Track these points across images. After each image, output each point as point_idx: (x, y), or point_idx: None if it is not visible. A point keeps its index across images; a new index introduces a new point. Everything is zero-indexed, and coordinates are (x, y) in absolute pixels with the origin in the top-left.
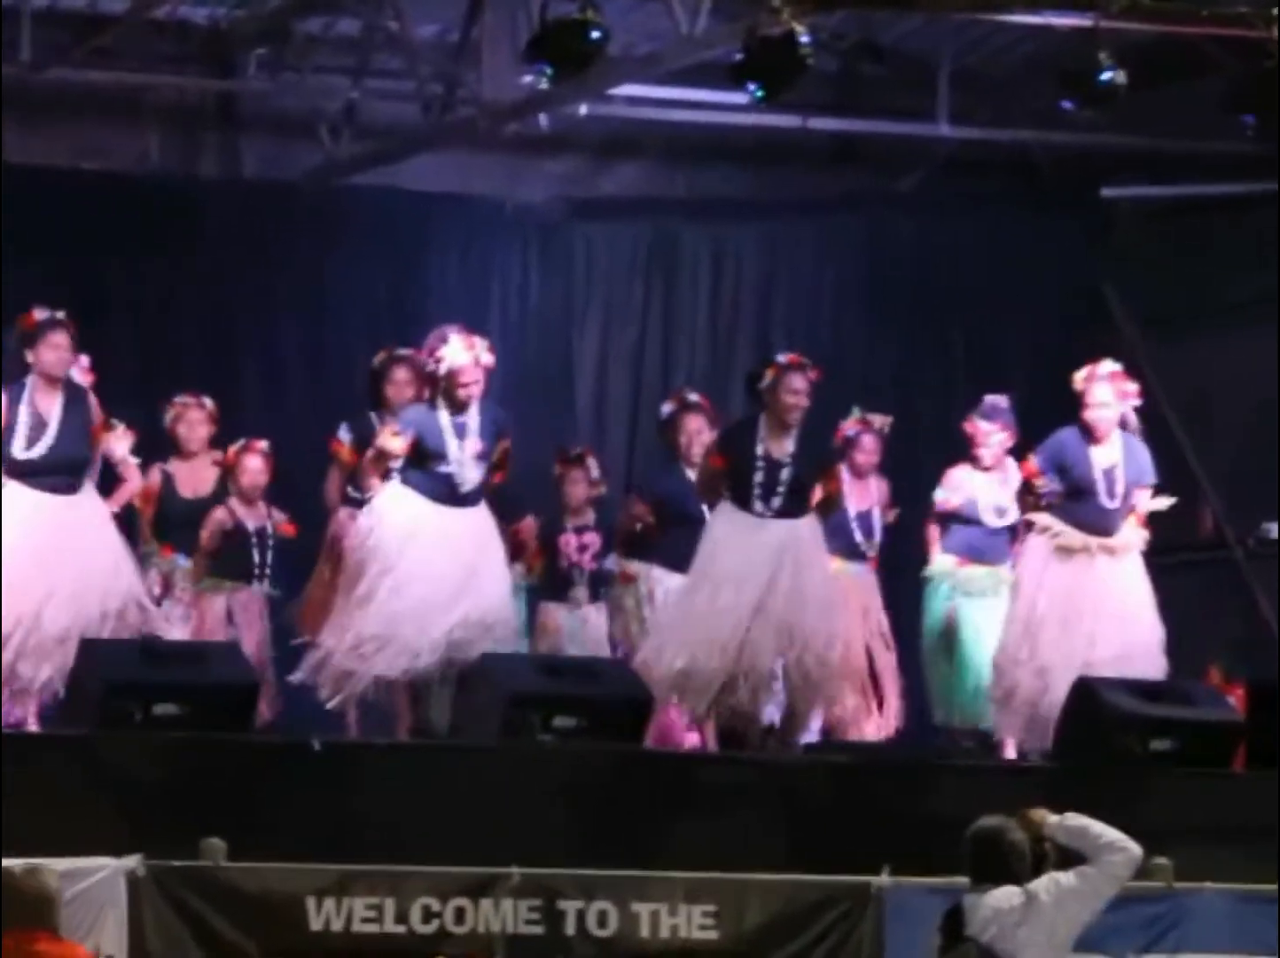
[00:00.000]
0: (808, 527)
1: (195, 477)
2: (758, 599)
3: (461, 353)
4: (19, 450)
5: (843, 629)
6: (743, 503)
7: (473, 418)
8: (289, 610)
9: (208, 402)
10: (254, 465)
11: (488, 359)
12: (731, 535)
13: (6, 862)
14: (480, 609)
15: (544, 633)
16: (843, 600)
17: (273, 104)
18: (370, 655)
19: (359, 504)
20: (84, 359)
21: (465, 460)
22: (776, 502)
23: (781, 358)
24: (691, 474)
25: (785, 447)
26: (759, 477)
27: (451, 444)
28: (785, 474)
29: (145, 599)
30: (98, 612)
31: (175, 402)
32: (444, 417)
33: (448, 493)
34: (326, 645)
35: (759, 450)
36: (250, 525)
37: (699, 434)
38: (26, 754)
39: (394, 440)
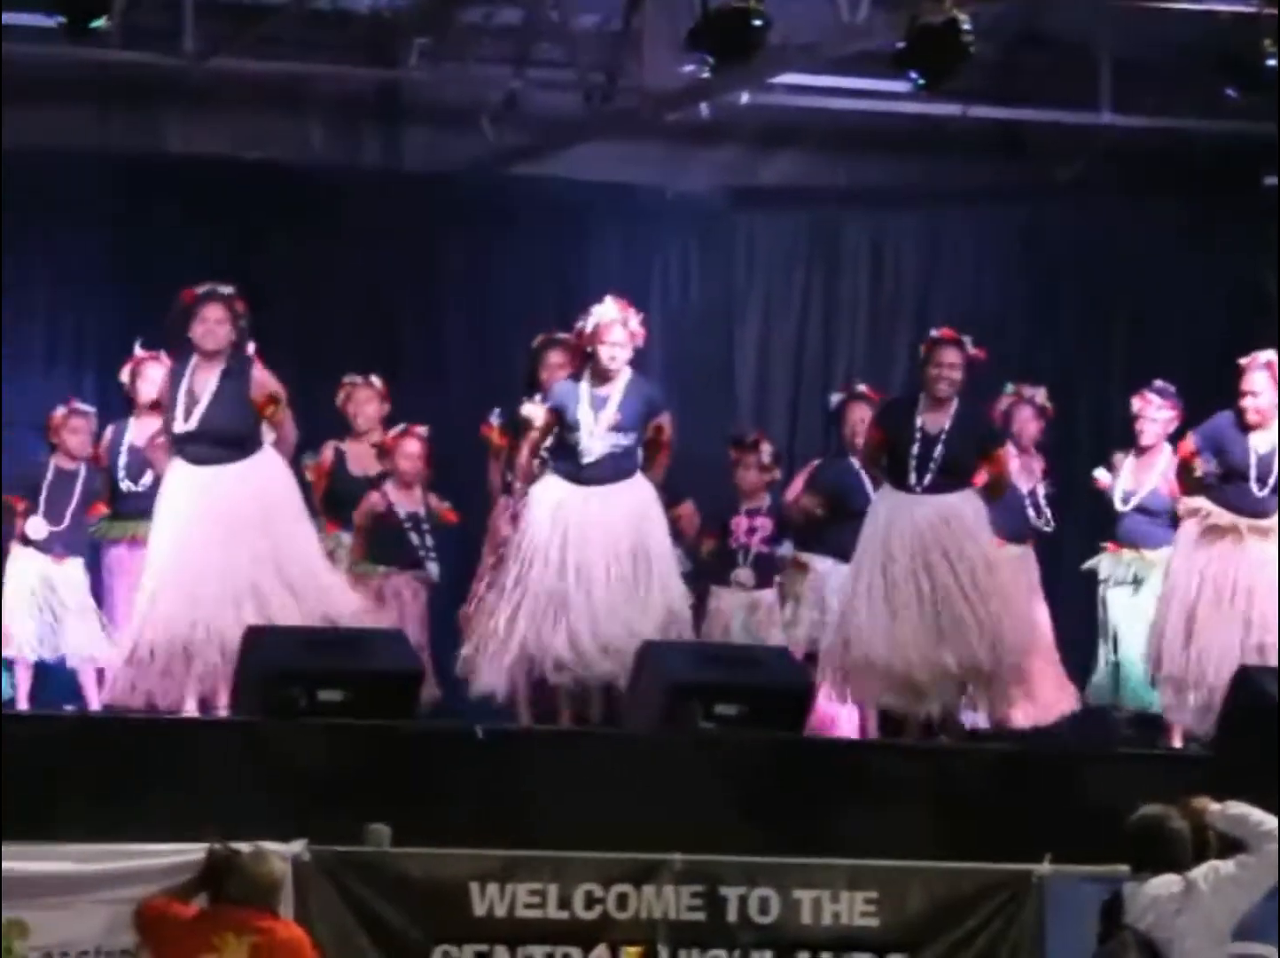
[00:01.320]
0: (970, 505)
1: (365, 455)
2: (924, 582)
3: (611, 311)
4: (176, 425)
5: (1020, 614)
6: (899, 478)
7: (616, 391)
8: (461, 611)
9: (376, 380)
10: (411, 450)
11: (636, 327)
12: (891, 515)
13: (236, 844)
14: (652, 598)
15: (710, 617)
16: (1015, 583)
17: (434, 94)
18: (529, 654)
19: (512, 492)
20: (250, 346)
21: (595, 431)
22: (929, 478)
23: (935, 332)
24: (858, 464)
25: (940, 421)
26: (915, 449)
27: (585, 414)
28: (938, 451)
29: (324, 573)
30: (265, 587)
31: (344, 381)
32: (585, 388)
33: (588, 470)
34: (487, 643)
35: (917, 423)
36: (404, 510)
37: (863, 424)
38: (193, 740)
39: (535, 410)
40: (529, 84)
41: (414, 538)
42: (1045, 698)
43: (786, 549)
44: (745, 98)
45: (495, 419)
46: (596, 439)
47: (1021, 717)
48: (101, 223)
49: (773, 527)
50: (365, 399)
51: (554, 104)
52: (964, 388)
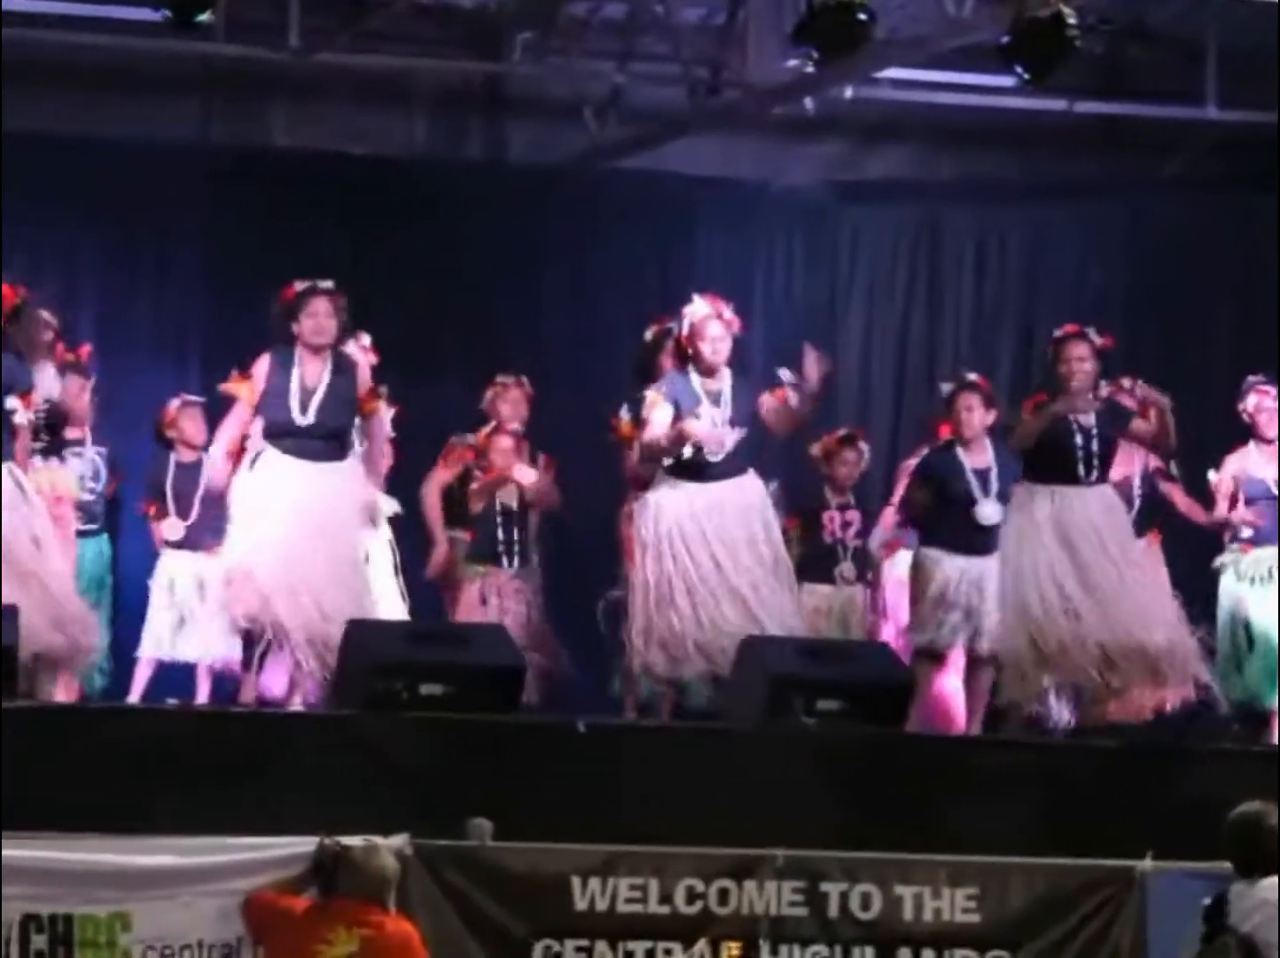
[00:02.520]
0: (1119, 496)
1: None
2: (1109, 570)
3: (703, 307)
4: (294, 417)
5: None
6: (1066, 472)
7: (725, 386)
8: (603, 606)
9: (525, 380)
10: (504, 445)
11: (731, 316)
12: (1059, 510)
13: (347, 839)
14: (764, 595)
15: (807, 614)
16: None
17: (538, 88)
18: (672, 656)
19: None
20: (365, 338)
21: (720, 426)
22: (1095, 470)
23: (1059, 330)
24: (964, 454)
25: (1087, 413)
26: (1078, 440)
27: (706, 409)
28: (1095, 443)
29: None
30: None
31: (497, 380)
32: (695, 379)
33: (709, 466)
34: (634, 647)
35: (1068, 417)
36: (500, 505)
37: (970, 413)
38: (295, 734)
39: (659, 409)
40: (633, 78)
41: (515, 534)
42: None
43: (875, 541)
44: (849, 92)
45: (624, 413)
46: (724, 435)
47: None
48: (206, 217)
49: (861, 519)
50: (517, 399)
51: (658, 98)
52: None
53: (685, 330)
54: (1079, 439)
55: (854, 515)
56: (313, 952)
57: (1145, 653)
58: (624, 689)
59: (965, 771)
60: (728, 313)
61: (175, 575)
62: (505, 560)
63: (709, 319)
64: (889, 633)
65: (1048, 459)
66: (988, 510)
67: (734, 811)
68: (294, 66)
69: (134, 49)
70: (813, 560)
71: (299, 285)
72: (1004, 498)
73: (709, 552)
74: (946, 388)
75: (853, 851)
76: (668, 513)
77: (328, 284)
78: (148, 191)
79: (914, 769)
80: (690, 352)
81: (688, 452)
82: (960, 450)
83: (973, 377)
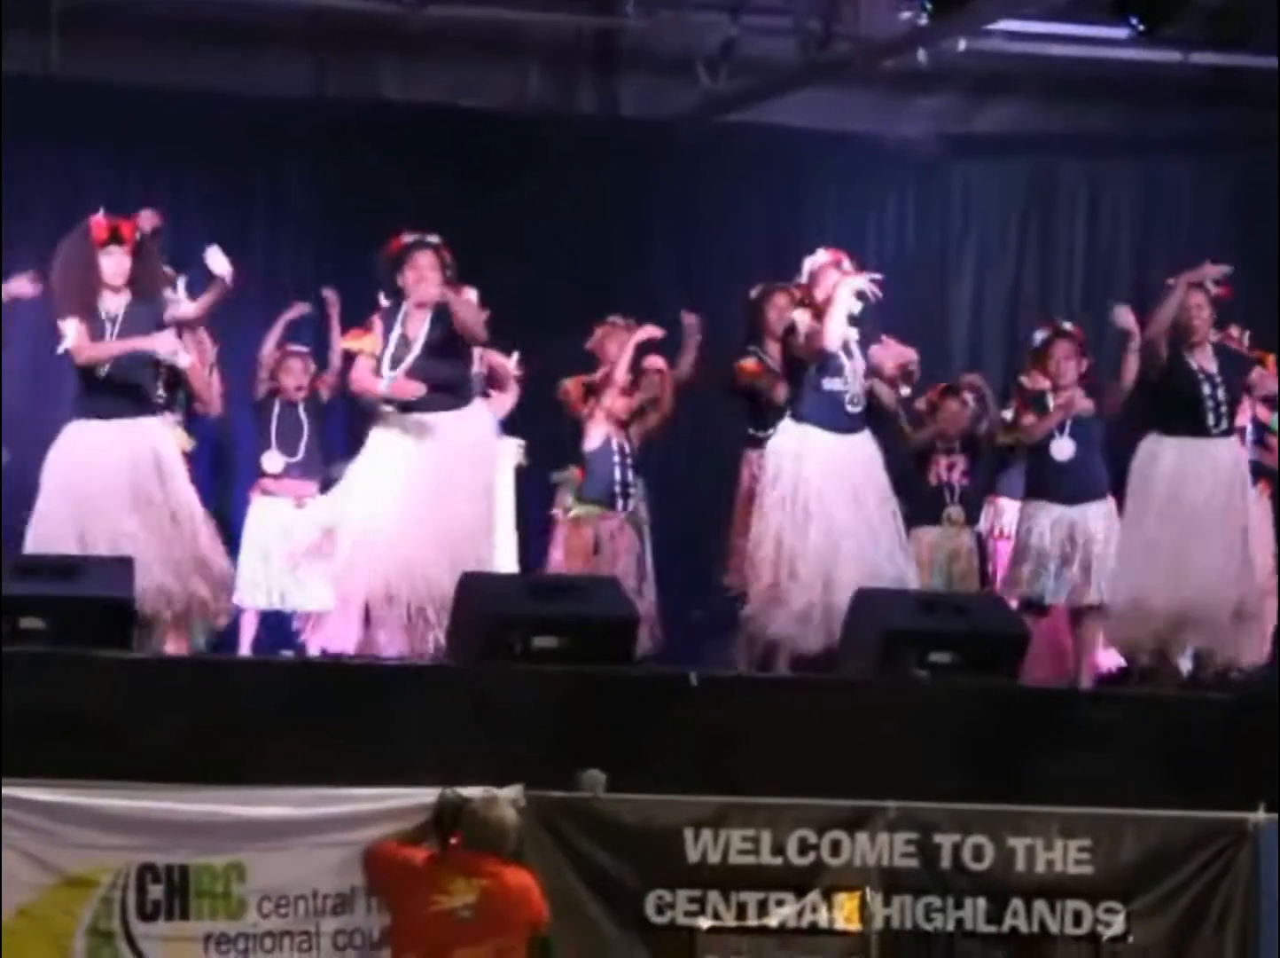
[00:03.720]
0: (1239, 450)
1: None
2: (1230, 525)
3: (823, 256)
4: (388, 372)
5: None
6: (1194, 422)
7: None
8: (715, 560)
9: (633, 324)
10: (619, 390)
11: (849, 267)
12: (1183, 461)
13: (466, 791)
14: (873, 548)
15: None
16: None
17: (651, 41)
18: (783, 605)
19: (759, 442)
20: (470, 292)
21: (858, 376)
22: (1223, 421)
23: (1172, 279)
24: (1055, 403)
25: (1208, 363)
26: (1206, 389)
27: (843, 358)
28: (1221, 392)
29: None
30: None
31: (607, 321)
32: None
33: (840, 417)
34: (745, 593)
35: (1193, 365)
36: (614, 444)
37: (1066, 361)
38: (409, 686)
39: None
40: (746, 31)
41: (618, 474)
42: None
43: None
44: (962, 44)
45: (746, 359)
46: (859, 385)
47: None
48: (318, 171)
49: (966, 463)
50: (626, 342)
51: (770, 51)
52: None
53: (805, 278)
54: (1206, 389)
55: (958, 459)
56: (432, 902)
57: (1221, 614)
58: (737, 640)
59: (1077, 722)
60: (848, 263)
61: (273, 525)
62: (619, 503)
63: (828, 267)
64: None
65: (1175, 410)
66: (1061, 444)
67: (847, 762)
68: (407, 20)
69: (249, 3)
70: (920, 503)
71: (405, 238)
72: (1078, 437)
73: (825, 504)
74: (1040, 335)
75: (965, 803)
76: (786, 466)
77: (432, 238)
78: (261, 146)
79: (1026, 721)
80: (806, 301)
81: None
82: (1052, 398)
83: (1068, 325)
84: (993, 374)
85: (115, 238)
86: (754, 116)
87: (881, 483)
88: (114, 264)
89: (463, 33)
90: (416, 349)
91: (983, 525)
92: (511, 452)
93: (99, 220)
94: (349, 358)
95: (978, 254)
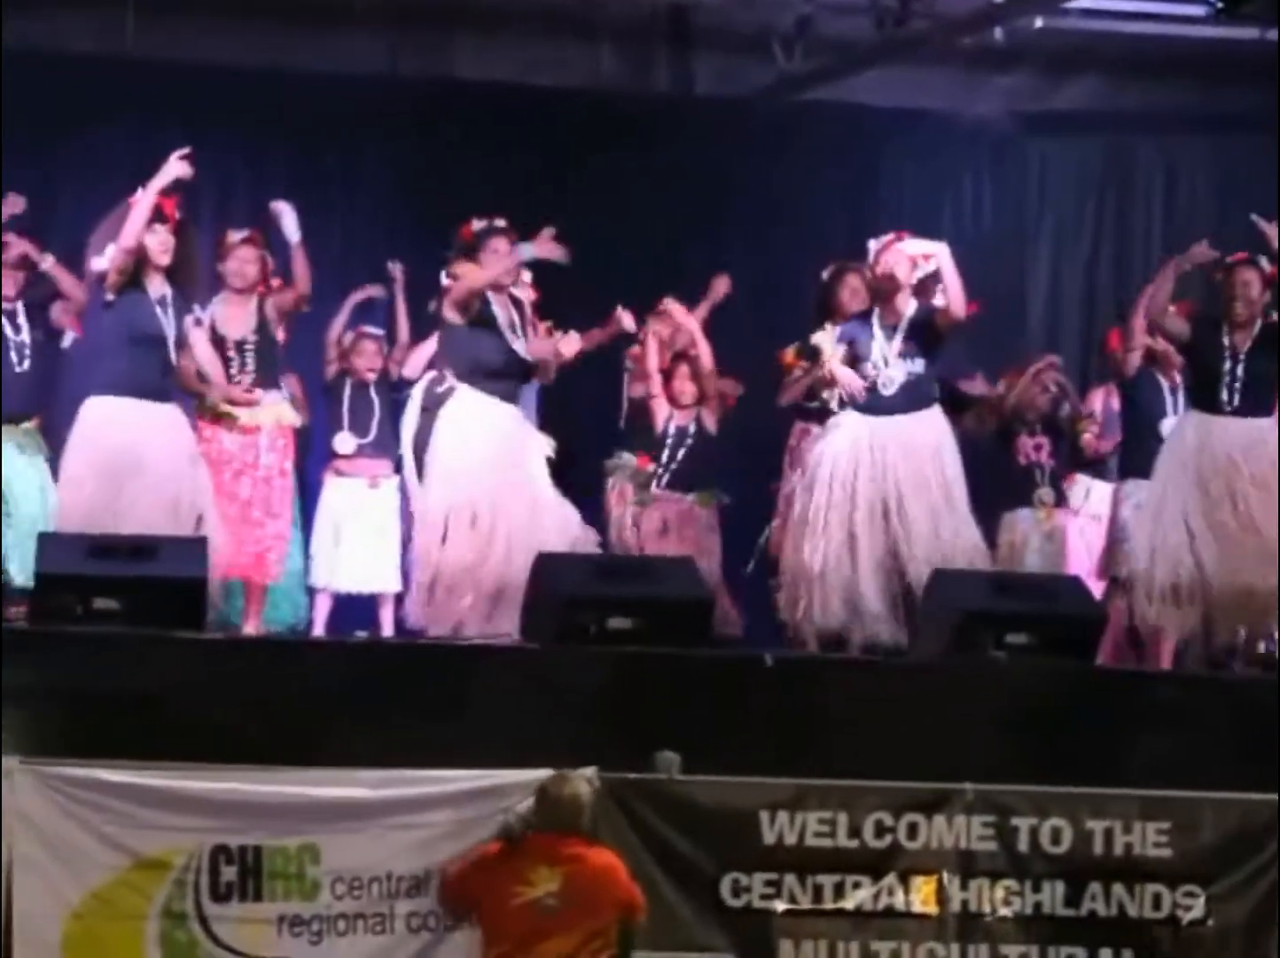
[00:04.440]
0: (1268, 432)
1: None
2: (1239, 506)
3: (889, 236)
4: (481, 355)
5: None
6: (1209, 398)
7: (906, 318)
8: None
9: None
10: (684, 372)
11: (929, 262)
12: (1201, 437)
13: (540, 773)
14: (953, 528)
15: (1003, 547)
16: None
17: (726, 19)
18: (830, 586)
19: (811, 417)
20: (525, 275)
21: (890, 358)
22: (1238, 398)
23: (1229, 258)
24: (1166, 384)
25: (1244, 342)
26: (1226, 367)
27: (878, 343)
28: (1242, 369)
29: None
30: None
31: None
32: (876, 318)
33: (877, 399)
34: (788, 574)
35: (1224, 341)
36: (676, 428)
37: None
38: (483, 666)
39: (826, 339)
40: (821, 8)
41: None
42: None
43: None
44: (1039, 22)
45: (792, 349)
46: (893, 367)
47: None
48: (393, 150)
49: (1051, 444)
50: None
51: (846, 28)
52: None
53: (872, 259)
54: (1227, 365)
55: (1043, 439)
56: (514, 893)
57: (1253, 596)
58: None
59: (1156, 705)
60: (911, 241)
61: (346, 505)
62: (683, 487)
63: (893, 247)
64: (1079, 564)
65: (1198, 383)
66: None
67: (923, 745)
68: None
69: None
70: (1009, 486)
71: (476, 224)
72: None
73: (883, 486)
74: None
75: (1043, 785)
76: (843, 448)
77: (502, 223)
78: (336, 125)
79: (1104, 703)
80: (872, 278)
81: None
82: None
83: None
84: (1070, 354)
85: (160, 216)
86: (829, 95)
87: (945, 461)
88: (158, 242)
89: (537, 10)
90: (507, 332)
91: (1075, 505)
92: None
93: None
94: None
95: (1054, 233)
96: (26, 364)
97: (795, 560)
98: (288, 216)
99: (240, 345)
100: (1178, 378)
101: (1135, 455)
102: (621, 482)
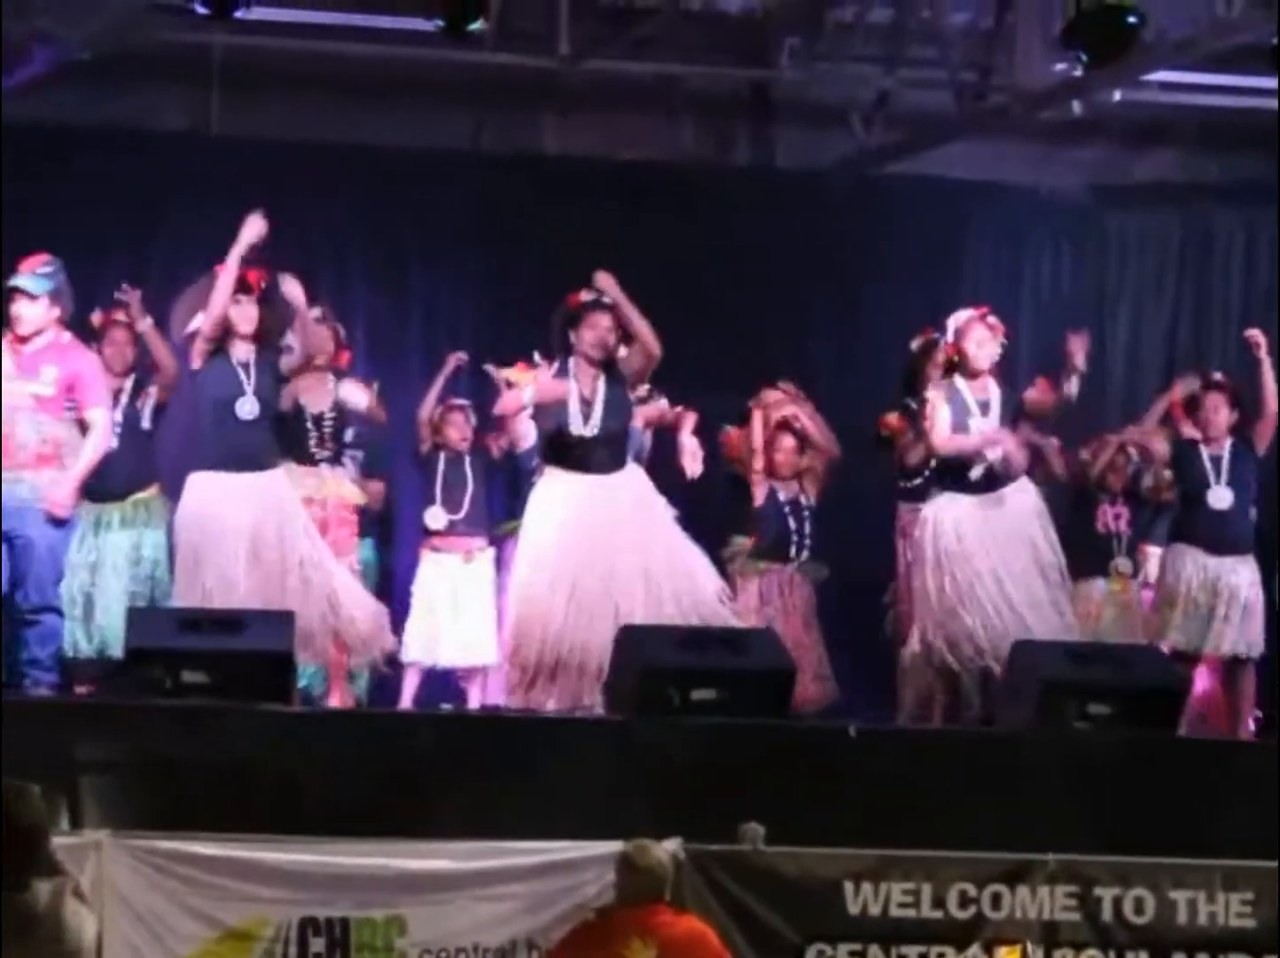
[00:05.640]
0: None
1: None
2: None
3: (969, 313)
4: (574, 428)
5: None
6: None
7: (993, 396)
8: (888, 611)
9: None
10: (788, 444)
11: (995, 322)
12: None
13: (621, 844)
14: (1035, 600)
15: (1080, 617)
16: None
17: (805, 93)
18: (948, 664)
19: (913, 497)
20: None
21: (988, 434)
22: None
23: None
24: (1208, 453)
25: None
26: None
27: (975, 418)
28: None
29: (717, 588)
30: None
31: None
32: (964, 386)
33: (984, 477)
34: (911, 645)
35: None
36: (781, 496)
37: (1216, 413)
38: (568, 738)
39: (940, 411)
40: (900, 82)
41: (792, 524)
42: None
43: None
44: (1117, 95)
45: (894, 414)
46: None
47: None
48: (476, 223)
49: (1130, 513)
50: (774, 402)
51: (925, 102)
52: None
53: (951, 337)
54: None
55: (1123, 509)
56: None
57: None
58: (897, 693)
59: (1237, 774)
60: (993, 319)
61: (437, 580)
62: (785, 557)
63: (973, 322)
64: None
65: None
66: (1220, 493)
67: (1006, 815)
68: (564, 74)
69: (407, 58)
70: (1087, 553)
71: (584, 296)
72: (1236, 486)
73: (985, 562)
74: (1191, 387)
75: (1125, 855)
76: (946, 525)
77: (609, 299)
78: (419, 199)
79: (1185, 773)
80: (957, 358)
81: (976, 472)
82: (1202, 446)
83: (1218, 376)
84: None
85: (244, 287)
86: (908, 168)
87: (1037, 535)
88: (242, 313)
89: (619, 86)
90: (599, 405)
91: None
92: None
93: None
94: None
95: (1132, 305)
96: (116, 441)
97: (919, 634)
98: (289, 283)
99: (318, 420)
100: (1224, 448)
101: (1183, 526)
102: (740, 567)
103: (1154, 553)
